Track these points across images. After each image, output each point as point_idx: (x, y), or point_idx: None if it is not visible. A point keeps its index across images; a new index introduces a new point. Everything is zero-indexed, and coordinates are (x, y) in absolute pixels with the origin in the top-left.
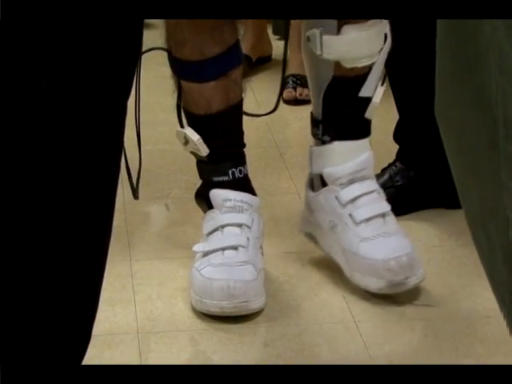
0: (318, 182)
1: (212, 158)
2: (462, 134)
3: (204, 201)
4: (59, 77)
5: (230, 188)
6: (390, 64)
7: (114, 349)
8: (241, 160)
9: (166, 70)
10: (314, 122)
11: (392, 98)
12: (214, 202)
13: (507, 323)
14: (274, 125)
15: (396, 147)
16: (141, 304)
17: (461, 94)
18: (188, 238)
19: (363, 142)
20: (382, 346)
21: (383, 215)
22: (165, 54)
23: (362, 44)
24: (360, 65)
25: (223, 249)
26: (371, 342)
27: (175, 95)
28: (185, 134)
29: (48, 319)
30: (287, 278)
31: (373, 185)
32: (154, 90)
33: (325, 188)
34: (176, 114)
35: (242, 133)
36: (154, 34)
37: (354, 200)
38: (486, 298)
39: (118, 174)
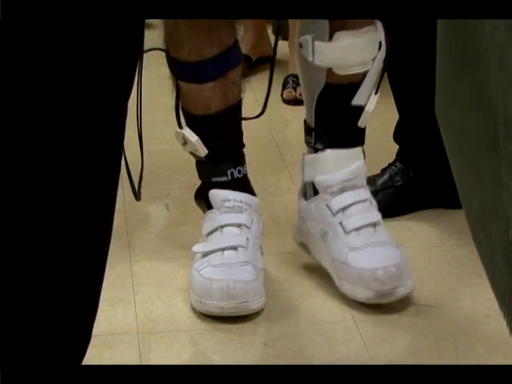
0: (310, 191)
1: (211, 159)
2: (463, 134)
3: (203, 201)
4: (59, 77)
5: (229, 188)
6: (389, 64)
7: (113, 349)
8: (240, 160)
9: (166, 70)
10: (307, 130)
11: (392, 98)
12: (213, 202)
13: (507, 323)
14: (273, 125)
15: (396, 147)
16: (141, 304)
17: (461, 93)
18: (188, 238)
19: (356, 151)
20: (382, 346)
21: (374, 225)
22: (164, 54)
23: (355, 51)
24: (352, 72)
25: (223, 249)
26: (371, 342)
27: (174, 95)
28: (183, 134)
29: (48, 319)
30: (287, 277)
31: (364, 194)
32: (154, 90)
33: (316, 196)
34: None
35: (241, 133)
36: (153, 34)
37: (344, 209)
38: (485, 298)
39: (119, 174)
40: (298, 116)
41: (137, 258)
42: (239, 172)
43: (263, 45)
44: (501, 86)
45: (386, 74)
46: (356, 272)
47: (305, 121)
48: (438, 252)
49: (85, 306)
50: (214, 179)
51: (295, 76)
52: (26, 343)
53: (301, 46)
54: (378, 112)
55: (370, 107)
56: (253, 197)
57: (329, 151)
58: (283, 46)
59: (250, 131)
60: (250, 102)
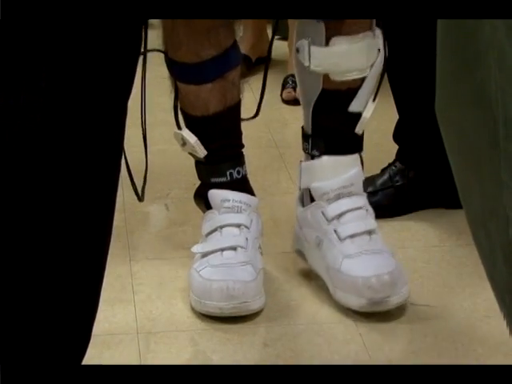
0: (307, 198)
1: (210, 160)
2: (463, 134)
3: (203, 201)
4: (59, 77)
5: (228, 189)
6: (389, 64)
7: (113, 349)
8: (239, 161)
9: (165, 71)
10: (304, 137)
11: (392, 97)
12: (212, 203)
13: (507, 323)
14: (273, 125)
15: (396, 147)
16: (140, 304)
17: (461, 93)
18: (188, 238)
19: (353, 158)
20: (382, 346)
21: (369, 232)
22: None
23: (352, 57)
24: (349, 78)
25: (222, 249)
26: (371, 342)
27: (172, 96)
28: (182, 135)
29: (48, 319)
30: (287, 278)
31: (360, 201)
32: (154, 90)
33: (312, 203)
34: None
35: (240, 134)
36: (152, 35)
37: (339, 216)
38: (485, 298)
39: (119, 174)
40: (298, 116)
41: (136, 258)
42: (238, 173)
43: (263, 45)
44: (501, 85)
45: (384, 77)
46: (349, 280)
47: (302, 127)
48: (438, 252)
49: (84, 306)
50: (213, 180)
51: (295, 76)
52: (26, 343)
53: (298, 51)
54: (378, 112)
55: (367, 114)
56: (252, 197)
57: (325, 158)
58: (283, 46)
59: (249, 131)
60: (250, 103)
